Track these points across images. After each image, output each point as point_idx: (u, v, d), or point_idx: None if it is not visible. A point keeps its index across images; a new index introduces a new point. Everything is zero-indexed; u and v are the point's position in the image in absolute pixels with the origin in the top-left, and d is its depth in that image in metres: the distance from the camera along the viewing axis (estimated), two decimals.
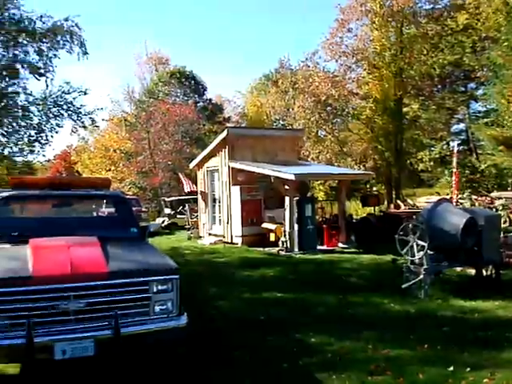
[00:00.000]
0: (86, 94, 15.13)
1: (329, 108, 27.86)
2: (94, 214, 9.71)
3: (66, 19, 14.23)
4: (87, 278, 4.45)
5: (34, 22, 13.90)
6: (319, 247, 14.45)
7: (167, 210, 26.06)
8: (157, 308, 4.69)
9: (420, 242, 8.23)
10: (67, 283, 4.36)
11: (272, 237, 14.89)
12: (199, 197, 19.13)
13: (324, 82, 26.81)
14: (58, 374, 4.93)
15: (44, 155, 16.11)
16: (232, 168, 16.34)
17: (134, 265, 4.90)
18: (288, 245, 14.13)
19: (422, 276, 8.15)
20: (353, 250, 14.33)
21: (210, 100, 45.16)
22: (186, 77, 43.23)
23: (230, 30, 73.77)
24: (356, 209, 24.71)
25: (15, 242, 5.39)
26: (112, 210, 7.41)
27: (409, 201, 22.76)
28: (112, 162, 36.95)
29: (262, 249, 14.74)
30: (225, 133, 16.90)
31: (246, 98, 47.35)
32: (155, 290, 4.67)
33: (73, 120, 15.33)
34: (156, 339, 4.73)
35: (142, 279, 4.65)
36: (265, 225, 15.50)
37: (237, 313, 7.56)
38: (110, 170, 35.75)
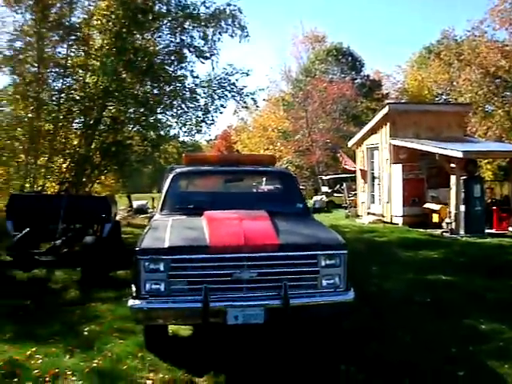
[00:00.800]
0: (248, 75, 15.53)
1: (498, 80, 25.66)
2: (254, 190, 10.02)
3: (229, 4, 14.67)
4: (260, 249, 4.64)
5: (198, 8, 14.54)
6: (487, 231, 13.54)
7: (324, 188, 26.26)
8: (324, 282, 4.73)
9: None
10: (242, 253, 4.59)
11: (435, 218, 14.31)
12: (358, 175, 18.94)
13: (493, 53, 24.75)
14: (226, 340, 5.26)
15: (209, 135, 16.94)
16: (393, 145, 15.88)
17: (304, 238, 5.00)
18: (453, 227, 13.47)
19: None
20: None
21: (368, 76, 44.03)
22: (342, 54, 42.68)
23: (387, 3, 70.81)
24: None
25: (191, 214, 5.74)
26: (271, 186, 7.64)
27: None
28: (270, 141, 38.02)
29: (423, 230, 14.23)
30: (386, 109, 16.47)
31: (405, 73, 45.26)
32: (323, 264, 4.71)
33: (236, 101, 15.78)
34: (323, 312, 4.82)
35: (311, 253, 4.72)
36: (427, 205, 14.91)
37: (399, 293, 7.41)
38: (267, 148, 36.79)
